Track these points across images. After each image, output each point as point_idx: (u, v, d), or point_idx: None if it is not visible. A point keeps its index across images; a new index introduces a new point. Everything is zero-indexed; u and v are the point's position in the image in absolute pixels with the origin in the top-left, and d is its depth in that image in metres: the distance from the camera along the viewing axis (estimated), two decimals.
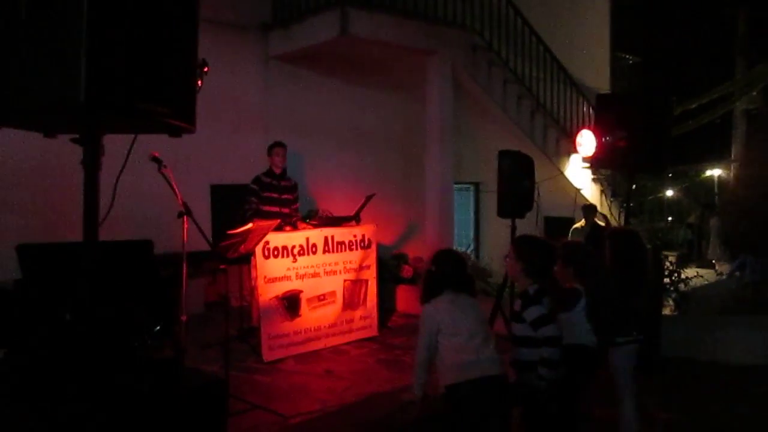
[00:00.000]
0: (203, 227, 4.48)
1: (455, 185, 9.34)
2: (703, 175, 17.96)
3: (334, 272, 6.26)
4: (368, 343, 6.45)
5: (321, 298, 6.14)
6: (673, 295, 7.51)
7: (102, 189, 2.25)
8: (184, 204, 4.37)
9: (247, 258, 5.66)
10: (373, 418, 4.52)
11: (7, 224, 6.13)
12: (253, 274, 5.82)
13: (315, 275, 6.08)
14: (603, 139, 5.90)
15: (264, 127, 8.20)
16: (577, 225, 9.39)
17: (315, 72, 8.85)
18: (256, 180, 6.69)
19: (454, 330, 3.34)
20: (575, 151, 10.50)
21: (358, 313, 6.49)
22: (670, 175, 15.89)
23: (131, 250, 2.41)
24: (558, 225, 9.76)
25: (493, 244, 10.67)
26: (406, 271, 8.11)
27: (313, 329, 6.06)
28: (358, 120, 9.32)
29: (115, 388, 2.24)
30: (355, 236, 6.47)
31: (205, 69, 2.59)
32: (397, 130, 9.67)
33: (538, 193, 6.26)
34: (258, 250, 5.52)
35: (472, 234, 11.44)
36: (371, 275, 6.61)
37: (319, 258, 6.12)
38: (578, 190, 10.71)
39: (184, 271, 4.44)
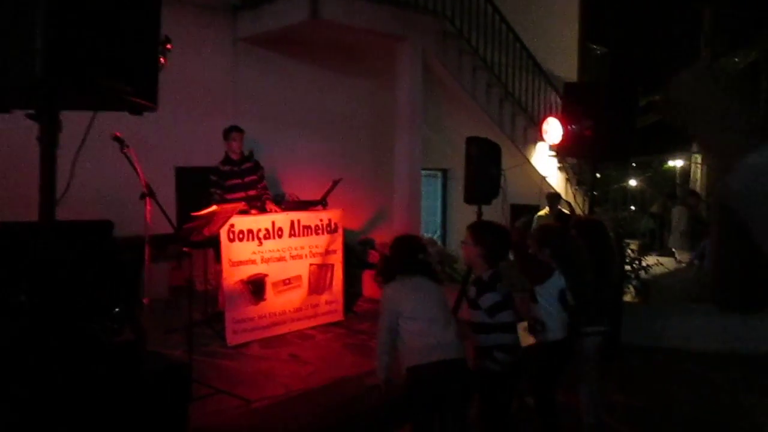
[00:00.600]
0: (168, 210, 4.41)
1: (423, 171, 9.36)
2: (666, 166, 18.30)
3: (300, 256, 6.23)
4: (334, 327, 6.45)
5: (286, 282, 6.11)
6: (634, 283, 7.65)
7: (60, 168, 2.20)
8: (147, 185, 4.30)
9: (213, 241, 5.59)
10: (338, 402, 4.52)
11: None
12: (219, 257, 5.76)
13: (281, 259, 6.04)
14: (569, 128, 5.97)
15: (232, 110, 8.09)
16: (542, 212, 9.51)
17: (284, 55, 8.75)
18: (215, 171, 6.48)
19: (413, 314, 3.38)
20: (542, 139, 10.60)
21: (324, 297, 6.48)
22: (634, 165, 16.17)
23: (89, 231, 2.35)
24: (523, 212, 9.85)
25: (460, 231, 10.66)
26: (373, 257, 8.12)
27: (278, 313, 6.03)
28: (327, 105, 9.25)
29: (73, 371, 2.19)
30: (321, 220, 6.44)
31: (168, 46, 2.53)
32: (366, 115, 9.63)
33: (505, 180, 6.30)
34: (223, 233, 5.47)
35: (439, 220, 11.50)
36: (337, 260, 6.60)
37: (285, 242, 6.08)
38: (544, 178, 10.82)
39: (147, 254, 4.37)
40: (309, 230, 6.30)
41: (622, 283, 6.87)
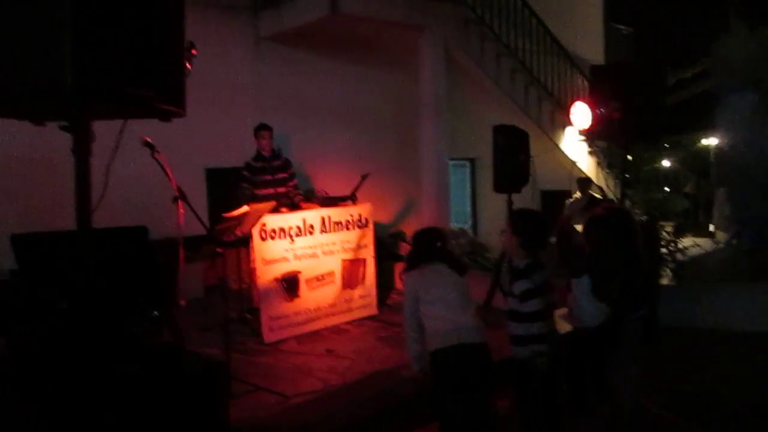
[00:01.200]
0: (199, 211, 4.46)
1: (451, 161, 9.32)
2: (698, 144, 17.90)
3: (332, 252, 6.27)
4: (368, 321, 6.48)
5: (320, 279, 6.15)
6: (671, 265, 7.53)
7: (94, 176, 2.24)
8: (179, 189, 4.34)
9: (245, 240, 5.66)
10: (376, 394, 4.55)
11: (1, 215, 6.11)
12: (252, 256, 5.83)
13: (313, 256, 6.09)
14: (597, 111, 5.89)
15: (257, 109, 8.14)
16: (573, 198, 9.40)
17: (307, 51, 8.77)
18: (247, 166, 6.69)
19: (431, 298, 3.49)
20: (570, 123, 10.46)
21: (357, 292, 6.51)
22: (666, 145, 15.84)
23: (126, 237, 2.40)
24: (554, 198, 9.77)
25: (490, 219, 10.68)
26: (404, 249, 8.12)
27: (312, 309, 6.08)
28: (351, 98, 9.26)
29: (115, 374, 2.25)
30: (351, 216, 6.47)
31: (194, 52, 2.57)
32: (390, 107, 9.61)
33: (534, 167, 6.25)
34: (255, 232, 5.52)
35: (469, 210, 11.44)
36: (369, 254, 6.62)
37: (317, 238, 6.12)
38: (574, 163, 10.69)
39: (181, 256, 4.43)
40: (340, 226, 6.34)
41: (659, 266, 6.77)
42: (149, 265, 2.56)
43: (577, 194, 9.46)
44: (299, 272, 5.96)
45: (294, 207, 6.38)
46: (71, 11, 1.83)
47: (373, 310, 6.65)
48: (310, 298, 6.05)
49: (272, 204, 5.56)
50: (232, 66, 8.12)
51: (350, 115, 9.24)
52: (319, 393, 4.58)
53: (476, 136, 9.75)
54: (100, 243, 2.28)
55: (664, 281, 7.39)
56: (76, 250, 2.19)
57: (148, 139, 4.21)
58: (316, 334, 6.00)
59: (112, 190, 2.45)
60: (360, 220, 6.52)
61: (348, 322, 6.36)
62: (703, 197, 15.11)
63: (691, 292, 6.92)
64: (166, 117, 2.25)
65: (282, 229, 5.83)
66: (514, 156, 6.04)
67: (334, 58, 9.03)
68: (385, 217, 8.84)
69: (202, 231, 4.64)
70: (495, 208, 8.56)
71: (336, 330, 6.18)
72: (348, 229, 6.42)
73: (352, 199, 6.67)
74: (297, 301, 5.94)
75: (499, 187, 6.16)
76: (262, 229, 5.63)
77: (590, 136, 7.86)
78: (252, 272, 5.96)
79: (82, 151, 2.13)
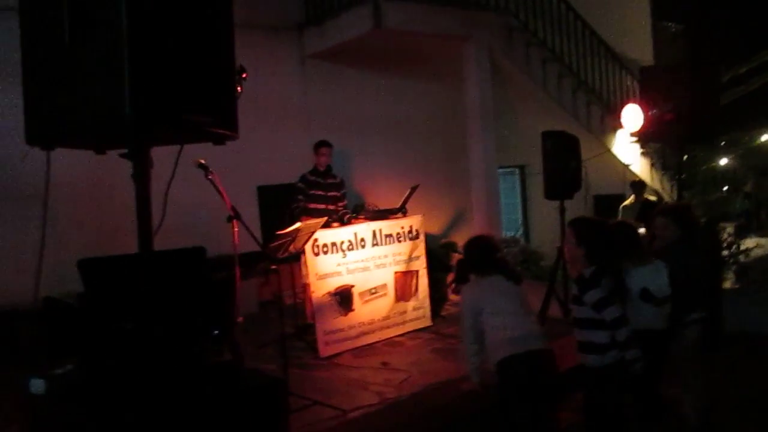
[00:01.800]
0: (253, 228, 4.54)
1: (500, 169, 9.25)
2: (757, 141, 17.29)
3: (384, 265, 6.28)
4: (422, 333, 6.45)
5: (373, 292, 6.17)
6: (734, 268, 7.28)
7: (153, 199, 2.31)
8: (233, 208, 4.44)
9: (298, 256, 5.73)
10: (433, 408, 4.52)
11: (68, 241, 6.36)
12: (305, 271, 5.89)
13: (365, 269, 6.11)
14: (649, 113, 5.76)
15: (305, 126, 8.27)
16: (627, 202, 9.20)
17: (352, 67, 8.87)
18: (303, 179, 6.78)
19: (495, 308, 3.45)
20: (621, 126, 10.25)
21: (411, 304, 6.50)
22: (723, 143, 15.35)
23: (185, 258, 2.46)
24: (608, 203, 9.58)
25: (542, 227, 10.53)
26: (456, 260, 8.08)
27: (366, 323, 6.10)
28: (398, 111, 9.30)
29: (179, 394, 2.30)
30: (402, 228, 6.47)
31: (244, 75, 2.63)
32: (437, 118, 9.62)
33: (586, 172, 6.15)
34: (308, 247, 5.58)
35: (520, 218, 11.32)
36: (421, 266, 6.61)
37: (368, 252, 6.15)
38: (627, 166, 10.47)
39: (237, 274, 4.52)
40: (391, 239, 6.35)
41: (720, 269, 6.55)
42: (208, 285, 2.61)
43: (632, 198, 9.25)
44: (352, 286, 6.00)
45: (344, 223, 6.43)
46: (128, 42, 1.90)
47: (426, 322, 6.62)
48: (363, 311, 6.08)
49: (323, 220, 5.63)
50: (279, 85, 8.26)
51: (397, 127, 9.28)
52: (376, 407, 4.58)
53: (525, 143, 9.65)
54: (161, 265, 2.35)
55: (727, 284, 7.15)
56: (140, 273, 2.26)
57: (202, 161, 4.33)
58: (370, 348, 6.01)
59: (169, 212, 2.52)
60: (411, 232, 6.52)
61: (402, 335, 6.35)
62: (764, 196, 14.60)
63: (755, 295, 6.67)
64: (220, 140, 2.30)
65: (334, 244, 5.88)
66: (564, 161, 5.97)
67: (378, 71, 9.10)
68: (435, 228, 8.83)
69: (256, 248, 4.73)
70: (547, 215, 8.43)
71: (390, 343, 6.18)
72: (399, 241, 6.43)
73: (402, 211, 6.68)
74: (351, 314, 5.97)
75: (550, 193, 6.09)
76: (315, 245, 5.69)
77: (642, 138, 7.68)
78: (306, 287, 6.03)
79: (142, 177, 2.20)
